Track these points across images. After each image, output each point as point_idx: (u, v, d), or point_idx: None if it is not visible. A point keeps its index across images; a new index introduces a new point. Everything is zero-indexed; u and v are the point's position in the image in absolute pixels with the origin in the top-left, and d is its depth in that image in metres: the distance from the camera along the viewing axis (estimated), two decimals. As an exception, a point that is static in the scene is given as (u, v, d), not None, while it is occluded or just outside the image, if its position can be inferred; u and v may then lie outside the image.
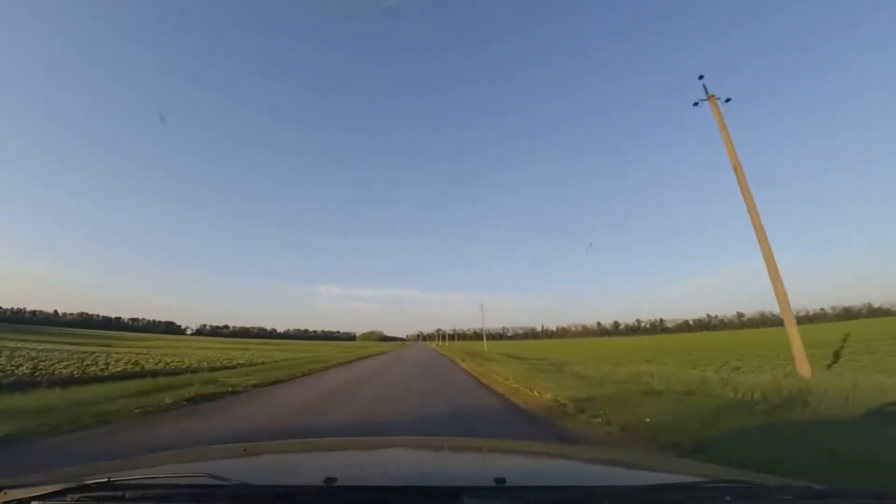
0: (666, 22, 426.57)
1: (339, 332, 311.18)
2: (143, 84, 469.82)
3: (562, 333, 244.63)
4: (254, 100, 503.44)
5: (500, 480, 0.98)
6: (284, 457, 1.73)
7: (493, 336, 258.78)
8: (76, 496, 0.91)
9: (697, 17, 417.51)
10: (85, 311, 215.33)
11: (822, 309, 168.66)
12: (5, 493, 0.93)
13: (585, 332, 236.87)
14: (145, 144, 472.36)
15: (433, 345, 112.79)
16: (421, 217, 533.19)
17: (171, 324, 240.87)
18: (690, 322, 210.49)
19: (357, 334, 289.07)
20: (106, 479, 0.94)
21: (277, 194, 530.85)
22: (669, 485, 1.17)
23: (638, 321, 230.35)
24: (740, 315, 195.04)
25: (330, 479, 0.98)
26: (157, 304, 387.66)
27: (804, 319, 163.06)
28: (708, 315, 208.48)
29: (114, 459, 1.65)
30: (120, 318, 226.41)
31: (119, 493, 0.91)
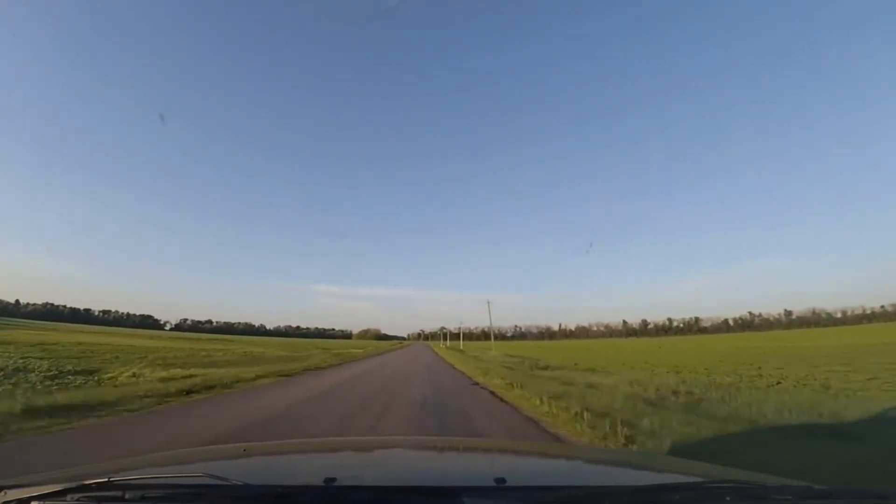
0: (666, 23, 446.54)
1: (333, 329, 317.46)
2: (138, 78, 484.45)
3: (582, 333, 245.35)
4: (248, 96, 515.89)
5: (500, 480, 1.07)
6: (284, 457, 1.89)
7: (502, 336, 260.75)
8: (76, 496, 0.99)
9: (698, 17, 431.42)
10: (50, 301, 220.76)
11: (882, 307, 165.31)
12: (5, 493, 1.02)
13: (609, 332, 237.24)
14: (137, 138, 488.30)
15: (440, 348, 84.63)
16: (422, 216, 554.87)
17: (148, 317, 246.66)
18: (730, 321, 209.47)
19: (353, 332, 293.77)
20: (106, 479, 1.03)
21: (274, 192, 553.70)
22: (669, 485, 1.27)
23: (670, 320, 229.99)
24: (788, 313, 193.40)
25: (330, 479, 1.07)
26: (143, 298, 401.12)
27: (861, 319, 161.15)
28: (751, 313, 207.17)
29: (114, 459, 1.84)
30: (89, 309, 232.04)
31: (119, 493, 1.00)
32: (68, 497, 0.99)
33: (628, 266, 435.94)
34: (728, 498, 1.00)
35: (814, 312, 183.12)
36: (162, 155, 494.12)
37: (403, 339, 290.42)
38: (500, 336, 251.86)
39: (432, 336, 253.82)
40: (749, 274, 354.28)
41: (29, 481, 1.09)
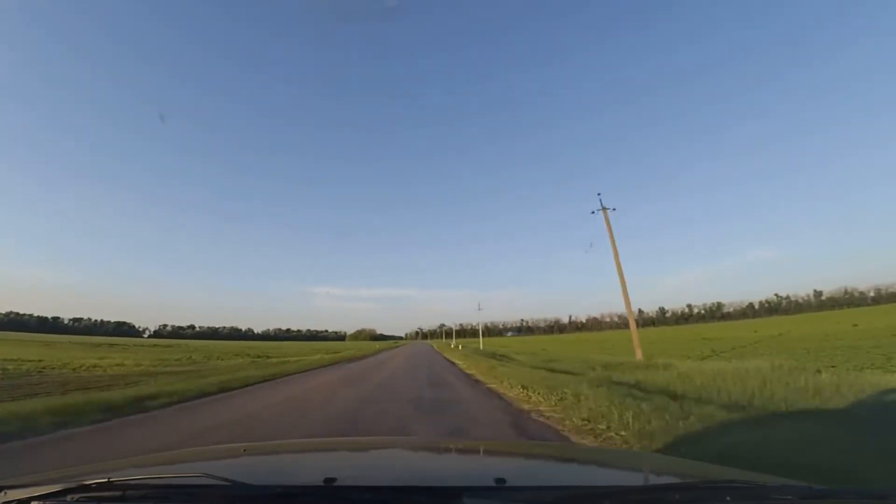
0: (659, 19, 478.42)
1: (326, 331, 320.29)
2: (132, 78, 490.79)
3: (594, 325, 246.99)
4: (242, 94, 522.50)
5: (500, 480, 1.15)
6: (284, 457, 2.00)
7: (513, 330, 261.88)
8: (76, 496, 1.07)
9: (694, 13, 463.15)
10: (15, 310, 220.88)
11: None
12: (5, 493, 1.09)
13: (623, 323, 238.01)
14: (121, 135, 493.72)
15: (453, 352, 49.61)
16: (421, 214, 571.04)
17: (124, 324, 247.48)
18: (756, 305, 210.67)
19: (347, 333, 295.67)
20: (106, 479, 1.11)
21: (268, 193, 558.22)
22: (669, 485, 1.38)
23: (689, 306, 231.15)
24: (818, 294, 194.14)
25: (330, 479, 1.15)
26: (127, 305, 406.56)
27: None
28: (777, 295, 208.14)
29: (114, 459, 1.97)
30: (58, 318, 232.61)
31: (119, 493, 1.08)
32: (68, 497, 1.06)
33: (637, 256, 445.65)
34: (728, 498, 1.06)
35: (846, 292, 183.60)
36: (148, 152, 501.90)
37: (401, 338, 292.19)
38: (499, 333, 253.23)
39: (431, 334, 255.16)
40: (758, 260, 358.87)
41: (29, 481, 1.17)
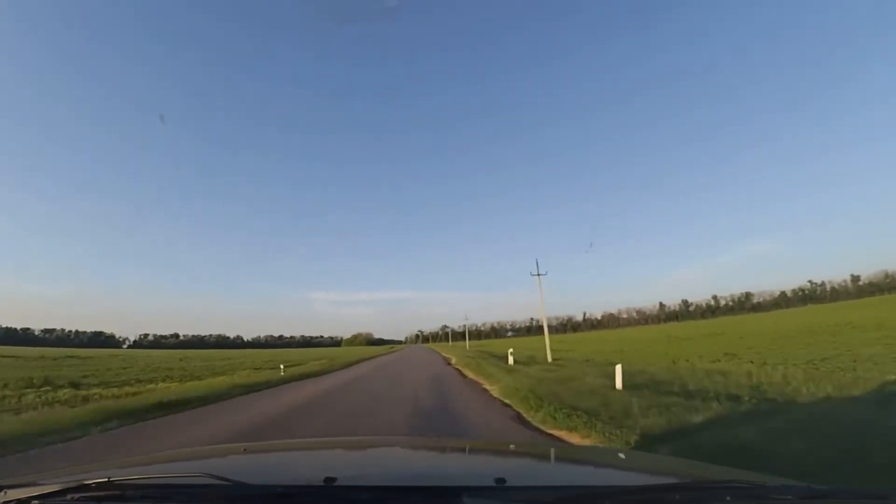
0: (660, 17, 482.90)
1: (321, 336, 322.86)
2: (120, 80, 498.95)
3: (611, 322, 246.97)
4: (235, 94, 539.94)
5: (500, 480, 1.23)
6: (284, 456, 2.14)
7: (515, 330, 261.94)
8: (76, 496, 1.16)
9: (695, 12, 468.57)
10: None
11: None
12: (5, 492, 1.19)
13: (643, 318, 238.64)
14: (115, 141, 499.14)
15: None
16: (419, 216, 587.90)
17: (101, 334, 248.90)
18: (788, 293, 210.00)
19: (343, 338, 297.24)
20: (106, 479, 1.20)
21: (264, 195, 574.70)
22: (669, 485, 1.46)
23: (715, 298, 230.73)
24: (856, 278, 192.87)
25: (330, 479, 1.23)
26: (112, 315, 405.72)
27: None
28: (811, 282, 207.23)
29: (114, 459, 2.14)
30: (28, 328, 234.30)
31: (119, 493, 1.17)
32: (68, 497, 1.14)
33: (648, 251, 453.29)
34: (728, 498, 1.14)
35: (887, 276, 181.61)
36: (139, 154, 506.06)
37: (399, 342, 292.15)
38: (501, 334, 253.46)
39: (434, 337, 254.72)
40: (785, 246, 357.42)
41: (29, 481, 1.27)
